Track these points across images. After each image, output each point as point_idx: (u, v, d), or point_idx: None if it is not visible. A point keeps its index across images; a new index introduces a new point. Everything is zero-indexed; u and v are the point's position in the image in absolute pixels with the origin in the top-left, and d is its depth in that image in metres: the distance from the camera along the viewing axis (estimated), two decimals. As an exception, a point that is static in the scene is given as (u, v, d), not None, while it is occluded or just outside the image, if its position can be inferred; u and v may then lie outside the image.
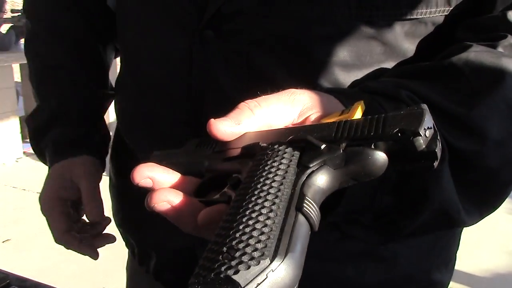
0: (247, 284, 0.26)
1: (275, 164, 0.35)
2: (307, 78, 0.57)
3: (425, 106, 0.36)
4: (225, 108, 0.57)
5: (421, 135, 0.33)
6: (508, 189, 0.52)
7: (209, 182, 0.44)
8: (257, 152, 0.39)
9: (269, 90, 0.46)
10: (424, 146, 0.34)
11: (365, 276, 0.67)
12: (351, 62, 0.57)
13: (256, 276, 0.26)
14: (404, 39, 0.57)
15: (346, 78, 0.57)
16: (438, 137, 0.34)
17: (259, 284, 0.26)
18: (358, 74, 0.58)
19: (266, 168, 0.35)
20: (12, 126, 4.27)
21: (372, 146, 0.35)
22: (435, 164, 0.35)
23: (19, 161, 4.24)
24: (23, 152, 4.33)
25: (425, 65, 0.54)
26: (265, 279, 0.26)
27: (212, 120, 0.43)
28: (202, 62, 0.61)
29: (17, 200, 3.48)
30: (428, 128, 0.34)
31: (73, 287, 0.92)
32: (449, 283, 0.78)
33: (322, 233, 0.49)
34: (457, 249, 0.79)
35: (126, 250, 0.95)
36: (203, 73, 0.61)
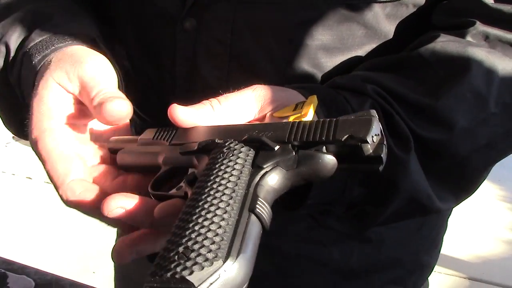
0: (200, 284, 0.28)
1: (231, 164, 0.37)
2: (290, 64, 0.58)
3: (374, 113, 0.38)
4: (208, 97, 0.58)
5: (368, 142, 0.36)
6: (482, 175, 0.54)
7: (165, 175, 0.45)
8: (213, 149, 0.40)
9: (250, 78, 0.47)
10: (371, 151, 0.36)
11: (351, 259, 0.68)
12: (333, 45, 0.57)
13: (209, 276, 0.28)
14: (385, 21, 0.58)
15: (329, 61, 0.58)
16: (385, 143, 0.37)
17: (211, 283, 0.28)
18: (341, 57, 0.58)
19: (222, 167, 0.36)
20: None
21: (323, 150, 0.37)
22: (381, 168, 0.37)
23: (8, 146, 4.21)
24: (12, 137, 4.29)
25: (394, 57, 0.55)
26: (217, 278, 0.28)
27: (174, 104, 0.44)
28: (185, 52, 0.61)
29: (5, 184, 3.47)
30: (375, 134, 0.36)
31: (62, 272, 0.93)
32: (434, 265, 0.80)
33: (308, 221, 0.50)
34: (444, 233, 0.81)
35: (115, 235, 0.96)
36: (186, 63, 0.62)
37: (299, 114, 0.44)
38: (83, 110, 0.51)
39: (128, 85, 0.70)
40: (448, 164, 0.51)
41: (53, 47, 0.54)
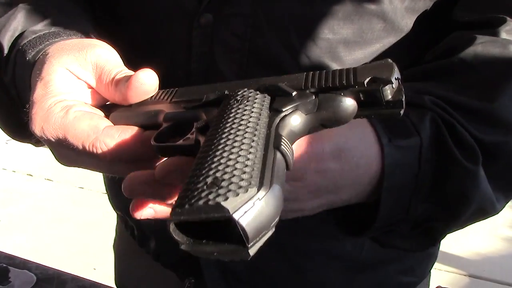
0: (236, 211, 0.26)
1: (248, 108, 0.35)
2: (310, 58, 0.57)
3: (391, 61, 0.37)
4: None
5: (393, 83, 0.35)
6: None
7: (168, 130, 0.42)
8: (223, 100, 0.38)
9: (269, 73, 0.46)
10: (390, 97, 0.35)
11: (363, 251, 0.68)
12: (353, 39, 0.57)
13: (244, 203, 0.26)
14: (404, 15, 0.57)
15: (348, 55, 0.58)
16: (403, 89, 0.36)
17: (246, 211, 0.26)
18: (360, 51, 0.58)
19: (239, 111, 0.35)
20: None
21: (342, 94, 0.36)
22: (402, 112, 0.36)
23: (9, 143, 4.21)
24: (13, 134, 4.29)
25: (434, 65, 0.54)
26: (252, 207, 0.26)
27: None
28: (200, 48, 0.60)
29: (6, 181, 3.47)
30: (397, 78, 0.35)
31: (63, 268, 0.93)
32: (437, 255, 0.81)
33: (321, 215, 0.50)
34: (438, 247, 0.81)
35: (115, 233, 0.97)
36: (202, 60, 0.60)
37: None
38: (96, 99, 0.49)
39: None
40: (503, 165, 0.51)
41: (48, 42, 0.52)
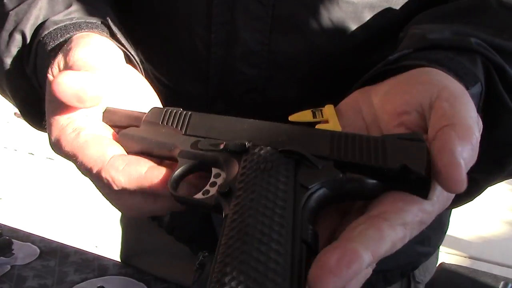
0: None
1: (272, 181, 0.34)
2: (336, 24, 0.56)
3: (421, 135, 0.35)
4: (248, 62, 0.55)
5: (423, 175, 0.32)
6: None
7: (184, 173, 0.41)
8: (243, 153, 0.38)
9: (293, 40, 0.44)
10: (419, 185, 0.33)
11: None
12: (379, 3, 0.55)
13: None
14: None
15: (374, 20, 0.56)
16: (430, 173, 0.33)
17: None
18: (385, 16, 0.56)
19: (263, 184, 0.34)
20: (2, 87, 4.22)
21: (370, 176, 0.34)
22: (426, 195, 0.34)
23: (10, 122, 4.21)
24: (14, 113, 4.29)
25: (464, 3, 0.51)
26: None
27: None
28: (221, 17, 0.58)
29: (8, 160, 3.47)
30: (428, 161, 0.33)
31: (65, 242, 0.94)
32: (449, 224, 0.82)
33: None
34: (450, 215, 0.82)
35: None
36: (223, 29, 0.59)
37: (326, 125, 0.42)
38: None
39: (155, 60, 0.67)
40: None
41: (68, 35, 0.50)
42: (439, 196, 0.34)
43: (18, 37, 0.53)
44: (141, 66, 0.52)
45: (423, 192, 0.33)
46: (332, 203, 0.36)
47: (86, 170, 0.43)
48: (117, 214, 0.96)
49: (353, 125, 0.42)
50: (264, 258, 0.30)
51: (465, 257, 2.70)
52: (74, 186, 3.16)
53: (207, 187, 0.39)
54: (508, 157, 0.47)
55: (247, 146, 0.38)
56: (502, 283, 0.77)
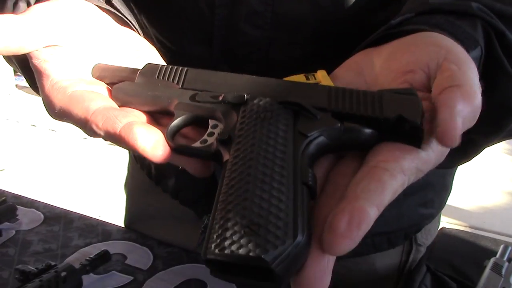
0: (274, 262, 0.28)
1: (272, 128, 0.35)
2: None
3: (415, 90, 0.36)
4: (251, 23, 0.54)
5: (419, 125, 0.34)
6: None
7: (180, 124, 0.41)
8: (242, 104, 0.38)
9: (297, 1, 0.43)
10: (414, 133, 0.34)
11: None
12: None
13: (281, 254, 0.28)
14: None
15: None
16: (424, 126, 0.35)
17: (283, 261, 0.28)
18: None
19: (264, 131, 0.35)
20: (3, 60, 4.20)
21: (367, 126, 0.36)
22: (419, 145, 0.35)
23: (12, 94, 4.21)
24: (15, 86, 4.29)
25: None
26: (288, 256, 0.28)
27: None
28: None
29: (10, 132, 3.48)
30: (422, 116, 0.35)
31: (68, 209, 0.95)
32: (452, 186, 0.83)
33: None
34: (453, 179, 0.82)
35: (122, 179, 0.97)
36: None
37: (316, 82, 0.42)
38: None
39: (159, 23, 0.66)
40: None
41: None
42: (434, 148, 0.35)
43: (23, 5, 0.52)
44: (139, 30, 0.52)
45: (417, 142, 0.34)
46: (330, 152, 0.37)
47: (77, 126, 0.43)
48: (120, 181, 0.97)
49: (353, 85, 0.42)
50: (267, 195, 0.30)
51: (465, 226, 2.73)
52: (75, 156, 3.17)
53: (205, 136, 0.39)
54: (505, 119, 0.47)
55: (245, 98, 0.38)
56: (502, 246, 0.78)
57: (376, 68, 0.42)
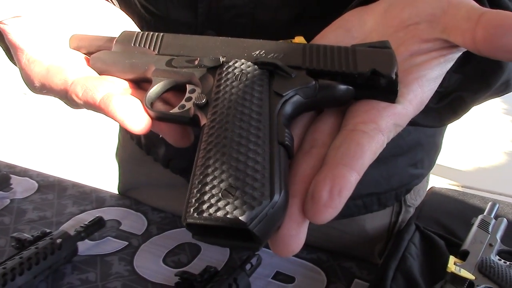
0: (251, 223, 0.28)
1: (248, 89, 0.35)
2: None
3: (389, 43, 0.36)
4: None
5: (393, 78, 0.34)
6: None
7: (158, 90, 0.41)
8: (218, 67, 0.38)
9: None
10: (389, 86, 0.35)
11: None
12: None
13: (259, 214, 0.29)
14: None
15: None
16: (398, 78, 0.35)
17: (261, 221, 0.29)
18: None
19: (239, 93, 0.35)
20: None
21: (342, 82, 0.36)
22: (395, 99, 0.35)
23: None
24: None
25: None
26: (265, 216, 0.29)
27: None
28: None
29: (2, 100, 3.46)
30: (396, 71, 0.35)
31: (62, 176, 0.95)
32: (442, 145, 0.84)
33: None
34: (442, 138, 0.83)
35: (115, 147, 0.97)
36: None
37: None
38: None
39: None
40: None
41: None
42: (412, 100, 0.36)
43: None
44: (115, 1, 0.51)
45: (392, 96, 0.35)
46: (307, 110, 0.38)
47: (57, 97, 0.43)
48: (113, 148, 0.97)
49: (341, 44, 0.42)
50: (244, 158, 0.31)
51: (456, 185, 2.76)
52: (68, 125, 3.16)
53: (183, 102, 0.39)
54: (494, 74, 0.47)
55: (221, 60, 0.39)
56: (490, 203, 0.79)
57: (368, 25, 0.42)
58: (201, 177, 0.31)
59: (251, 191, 0.29)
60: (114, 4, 0.51)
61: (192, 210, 0.29)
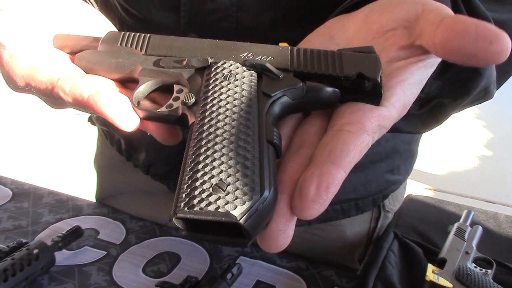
0: (242, 217, 0.29)
1: (237, 89, 0.36)
2: None
3: (373, 48, 0.37)
4: None
5: (379, 82, 0.35)
6: None
7: (145, 89, 0.41)
8: (206, 68, 0.38)
9: None
10: (374, 90, 0.36)
11: None
12: None
13: (249, 209, 0.29)
14: None
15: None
16: (382, 82, 0.36)
17: (251, 216, 0.29)
18: None
19: (229, 92, 0.35)
20: None
21: (328, 84, 0.37)
22: (379, 102, 0.36)
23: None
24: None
25: None
26: (256, 211, 0.29)
27: None
28: None
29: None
30: (381, 74, 0.36)
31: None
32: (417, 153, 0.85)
33: None
34: (418, 146, 0.84)
35: (93, 154, 0.95)
36: None
37: None
38: None
39: None
40: None
41: None
42: (395, 103, 0.37)
43: None
44: (94, 3, 0.51)
45: (376, 99, 0.36)
46: (294, 111, 0.38)
47: (41, 95, 0.43)
48: (91, 155, 0.96)
49: (326, 49, 0.42)
50: (234, 154, 0.31)
51: (431, 189, 2.81)
52: (43, 131, 3.11)
53: (170, 101, 0.39)
54: (473, 81, 0.48)
55: (209, 61, 0.39)
56: (465, 211, 0.81)
57: (350, 32, 0.43)
58: (191, 173, 0.31)
59: (242, 186, 0.30)
60: (94, 6, 0.50)
61: (182, 204, 0.30)
